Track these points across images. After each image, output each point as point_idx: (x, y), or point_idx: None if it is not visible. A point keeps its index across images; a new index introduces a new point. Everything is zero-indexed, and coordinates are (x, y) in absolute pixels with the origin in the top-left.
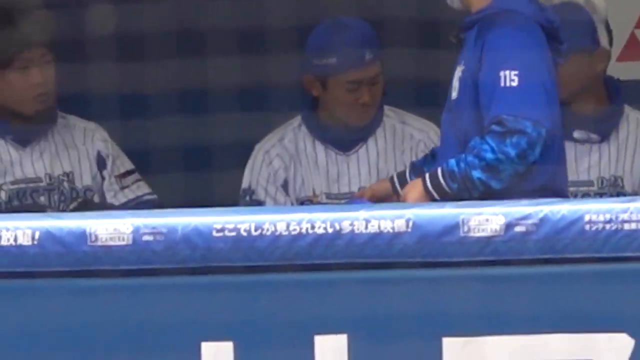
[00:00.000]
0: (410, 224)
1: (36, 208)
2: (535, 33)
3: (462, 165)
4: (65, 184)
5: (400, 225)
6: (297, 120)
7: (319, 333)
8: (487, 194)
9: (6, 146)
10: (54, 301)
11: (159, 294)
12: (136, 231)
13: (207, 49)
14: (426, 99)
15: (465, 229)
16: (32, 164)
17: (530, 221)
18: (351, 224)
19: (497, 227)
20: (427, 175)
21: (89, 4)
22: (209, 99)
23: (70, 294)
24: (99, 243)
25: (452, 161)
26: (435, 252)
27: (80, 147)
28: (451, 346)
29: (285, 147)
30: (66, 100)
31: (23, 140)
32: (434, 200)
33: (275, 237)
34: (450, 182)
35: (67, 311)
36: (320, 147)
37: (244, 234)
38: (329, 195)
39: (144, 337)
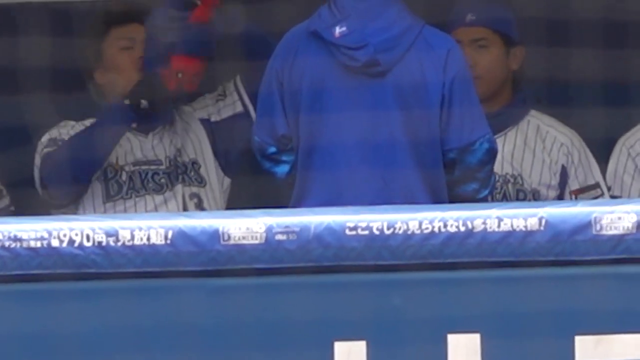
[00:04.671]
0: (543, 222)
1: None
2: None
3: None
4: None
5: (533, 223)
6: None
7: (452, 332)
8: None
9: None
10: (187, 300)
11: (292, 293)
12: (269, 230)
13: None
14: None
15: (598, 227)
16: None
17: None
18: (483, 223)
19: (629, 225)
20: None
21: None
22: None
23: (203, 293)
24: (232, 242)
25: None
26: (568, 250)
27: None
28: (584, 344)
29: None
30: None
31: None
32: None
33: (408, 236)
34: None
35: (200, 310)
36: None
37: (377, 232)
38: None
39: (277, 335)
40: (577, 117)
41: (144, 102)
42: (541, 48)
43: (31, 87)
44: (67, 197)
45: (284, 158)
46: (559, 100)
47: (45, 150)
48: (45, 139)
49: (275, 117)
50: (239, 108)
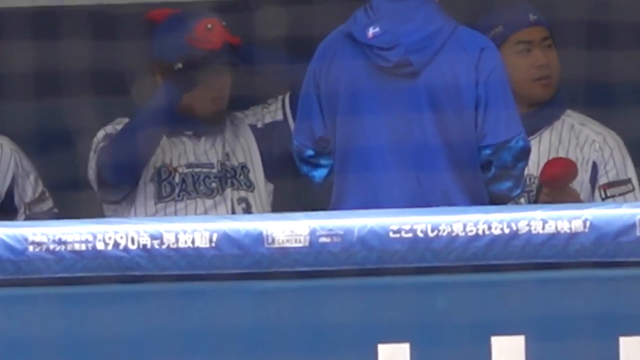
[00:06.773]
0: (588, 224)
1: None
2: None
3: None
4: None
5: (577, 225)
6: None
7: (496, 334)
8: None
9: None
10: (231, 303)
11: (336, 296)
12: (313, 233)
13: None
14: None
15: None
16: None
17: None
18: (528, 225)
19: None
20: None
21: None
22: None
23: (247, 296)
24: (276, 245)
25: None
26: (612, 252)
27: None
28: (629, 346)
29: None
30: None
31: None
32: None
33: (452, 238)
34: None
35: (244, 313)
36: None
37: (420, 235)
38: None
39: (320, 338)
40: (614, 118)
41: (178, 64)
42: (578, 49)
43: (73, 91)
44: (121, 191)
45: (322, 162)
46: (596, 101)
47: (101, 145)
48: (100, 135)
49: (313, 120)
50: (280, 117)
